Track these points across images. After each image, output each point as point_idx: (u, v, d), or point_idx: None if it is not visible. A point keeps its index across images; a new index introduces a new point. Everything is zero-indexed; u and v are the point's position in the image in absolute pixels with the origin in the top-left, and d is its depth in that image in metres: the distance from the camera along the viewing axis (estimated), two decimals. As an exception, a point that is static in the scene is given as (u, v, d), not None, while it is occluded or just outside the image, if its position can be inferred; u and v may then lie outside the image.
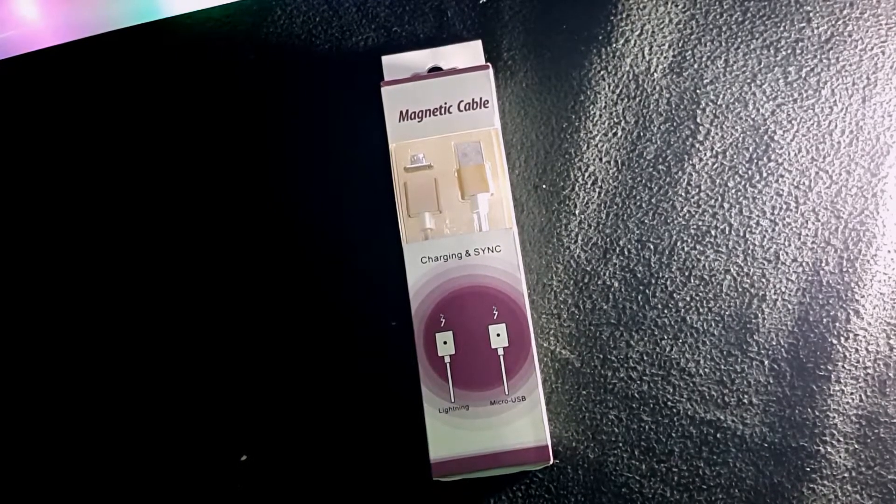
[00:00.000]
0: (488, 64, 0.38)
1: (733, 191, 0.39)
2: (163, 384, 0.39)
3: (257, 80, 0.41)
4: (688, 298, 0.38)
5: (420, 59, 0.39)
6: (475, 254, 0.36)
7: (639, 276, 0.39)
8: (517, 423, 0.35)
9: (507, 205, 0.37)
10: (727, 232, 0.39)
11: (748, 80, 0.40)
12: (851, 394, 0.37)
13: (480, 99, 0.37)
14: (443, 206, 0.38)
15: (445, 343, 0.35)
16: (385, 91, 0.38)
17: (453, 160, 0.38)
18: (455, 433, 0.35)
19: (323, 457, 0.38)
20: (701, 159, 0.39)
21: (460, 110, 0.37)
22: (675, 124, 0.40)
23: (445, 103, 0.37)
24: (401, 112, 0.37)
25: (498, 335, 0.35)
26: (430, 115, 0.37)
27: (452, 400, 0.35)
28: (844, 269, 0.38)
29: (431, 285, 0.36)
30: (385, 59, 0.39)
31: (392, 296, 0.38)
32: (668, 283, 0.38)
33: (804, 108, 0.39)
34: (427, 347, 0.35)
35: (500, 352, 0.35)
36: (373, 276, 0.39)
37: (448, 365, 0.35)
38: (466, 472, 0.35)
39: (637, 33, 0.40)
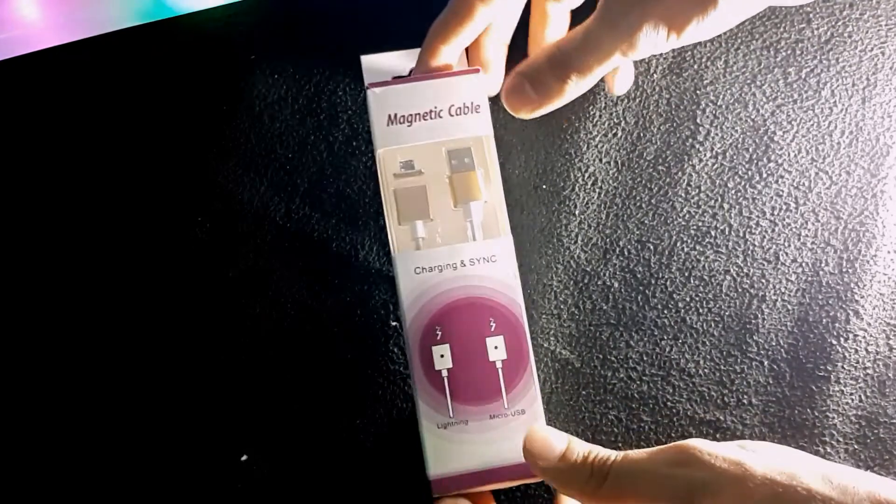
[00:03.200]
0: (478, 68, 0.37)
1: (733, 191, 0.39)
2: (164, 385, 0.39)
3: (257, 80, 0.41)
4: (687, 299, 0.38)
5: (403, 61, 0.38)
6: (470, 264, 0.35)
7: (639, 276, 0.39)
8: (518, 437, 0.33)
9: (500, 212, 0.36)
10: (727, 232, 0.39)
11: (748, 81, 0.40)
12: (851, 394, 0.37)
13: (472, 104, 0.36)
14: (434, 213, 0.36)
15: (442, 356, 0.34)
16: (372, 94, 0.36)
17: (444, 166, 0.36)
18: (454, 449, 0.34)
19: (322, 457, 0.38)
20: (701, 160, 0.39)
21: (451, 115, 0.36)
22: (675, 125, 0.40)
23: (435, 107, 0.36)
24: (389, 116, 0.36)
25: (496, 347, 0.34)
26: (419, 120, 0.36)
27: (451, 415, 0.34)
28: (844, 270, 0.38)
29: (426, 297, 0.35)
30: (364, 59, 0.38)
31: (391, 295, 0.38)
32: (668, 283, 0.38)
33: (804, 108, 0.39)
34: (423, 361, 0.34)
35: (499, 364, 0.34)
36: (372, 279, 0.39)
37: (445, 379, 0.34)
38: (466, 488, 0.34)
39: (637, 34, 0.40)
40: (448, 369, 0.34)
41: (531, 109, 0.36)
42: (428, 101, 0.36)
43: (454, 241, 0.36)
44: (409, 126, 0.36)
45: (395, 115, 0.36)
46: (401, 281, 0.35)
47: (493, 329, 0.34)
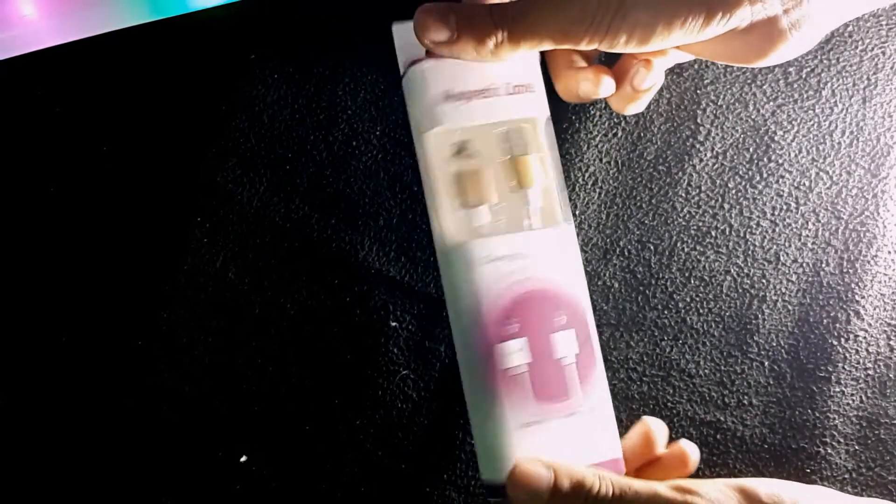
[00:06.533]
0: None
1: (733, 191, 0.39)
2: (164, 385, 0.39)
3: (257, 80, 0.41)
4: (688, 299, 0.38)
5: None
6: (527, 255, 0.32)
7: (639, 276, 0.39)
8: (595, 435, 0.32)
9: (562, 198, 0.34)
10: (727, 233, 0.39)
11: (748, 81, 0.40)
12: (852, 395, 0.37)
13: (526, 83, 0.33)
14: (491, 200, 0.34)
15: (520, 351, 0.32)
16: (418, 71, 0.33)
17: (497, 150, 0.34)
18: (534, 449, 0.31)
19: (322, 457, 0.38)
20: (701, 160, 0.39)
21: (508, 94, 0.33)
22: (675, 125, 0.39)
23: (491, 86, 0.33)
24: (440, 93, 0.33)
25: (567, 342, 0.32)
26: (474, 98, 0.33)
27: (535, 413, 0.31)
28: (845, 270, 0.38)
29: (495, 289, 0.32)
30: (396, 28, 0.35)
31: (391, 295, 0.38)
32: (669, 283, 0.38)
33: (804, 108, 0.39)
34: (494, 359, 0.32)
35: (572, 359, 0.32)
36: (372, 279, 0.39)
37: (524, 375, 0.32)
38: None
39: (637, 34, 0.40)
40: (527, 364, 0.32)
41: (438, 44, 0.32)
42: (479, 77, 0.33)
43: (512, 230, 0.33)
44: (467, 103, 0.33)
45: (453, 92, 0.33)
46: (460, 274, 0.32)
47: (563, 323, 0.32)
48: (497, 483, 0.31)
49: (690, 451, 0.33)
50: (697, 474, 0.37)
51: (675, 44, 0.31)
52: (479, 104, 0.33)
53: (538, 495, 0.30)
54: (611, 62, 0.38)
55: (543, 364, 0.32)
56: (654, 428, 0.34)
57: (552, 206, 0.34)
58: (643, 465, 0.34)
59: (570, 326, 0.32)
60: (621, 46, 0.31)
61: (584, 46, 0.31)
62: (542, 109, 0.34)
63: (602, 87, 0.35)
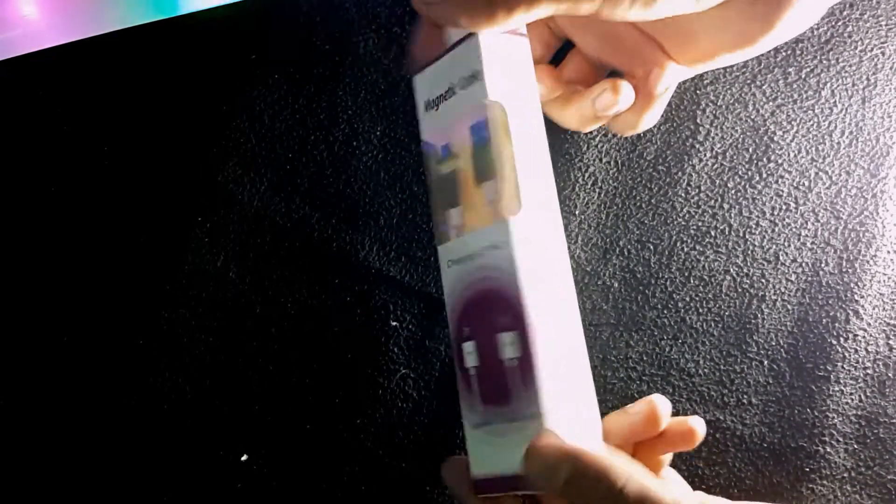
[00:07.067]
0: (475, 31, 0.32)
1: (733, 191, 0.39)
2: (164, 385, 0.39)
3: (257, 80, 0.41)
4: (687, 299, 0.38)
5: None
6: (480, 254, 0.31)
7: (638, 276, 0.39)
8: (527, 443, 0.30)
9: (508, 191, 0.31)
10: (727, 232, 0.39)
11: (748, 81, 0.40)
12: (851, 394, 0.37)
13: (472, 71, 0.32)
14: (465, 199, 0.33)
15: (469, 354, 0.32)
16: (415, 81, 0.34)
17: (468, 148, 0.33)
18: (487, 450, 0.31)
19: (322, 457, 0.38)
20: (701, 160, 0.39)
21: (462, 89, 0.32)
22: (674, 125, 0.40)
23: (451, 84, 0.33)
24: (424, 103, 0.34)
25: (511, 344, 0.30)
26: (443, 101, 0.33)
27: (480, 415, 0.31)
28: (844, 270, 0.38)
29: (455, 291, 0.32)
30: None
31: (391, 295, 0.38)
32: (668, 283, 0.38)
33: (804, 108, 0.39)
34: (458, 359, 0.32)
35: (514, 363, 0.30)
36: (372, 279, 0.39)
37: (472, 378, 0.32)
38: (508, 492, 0.31)
39: (637, 34, 0.40)
40: (475, 367, 0.32)
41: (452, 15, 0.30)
42: (444, 79, 0.33)
43: (474, 229, 0.32)
44: (437, 110, 0.33)
45: (428, 101, 0.34)
46: (442, 275, 0.33)
47: (505, 324, 0.31)
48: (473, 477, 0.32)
49: (698, 427, 0.32)
50: (697, 473, 0.37)
51: (682, 9, 0.29)
52: (444, 106, 0.33)
53: (555, 470, 0.28)
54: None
55: (489, 367, 0.31)
56: (660, 406, 0.32)
57: (501, 198, 0.31)
58: (644, 441, 0.33)
59: (512, 328, 0.30)
60: (625, 9, 0.29)
61: (586, 10, 0.29)
62: (485, 94, 0.31)
63: (622, 93, 0.33)
